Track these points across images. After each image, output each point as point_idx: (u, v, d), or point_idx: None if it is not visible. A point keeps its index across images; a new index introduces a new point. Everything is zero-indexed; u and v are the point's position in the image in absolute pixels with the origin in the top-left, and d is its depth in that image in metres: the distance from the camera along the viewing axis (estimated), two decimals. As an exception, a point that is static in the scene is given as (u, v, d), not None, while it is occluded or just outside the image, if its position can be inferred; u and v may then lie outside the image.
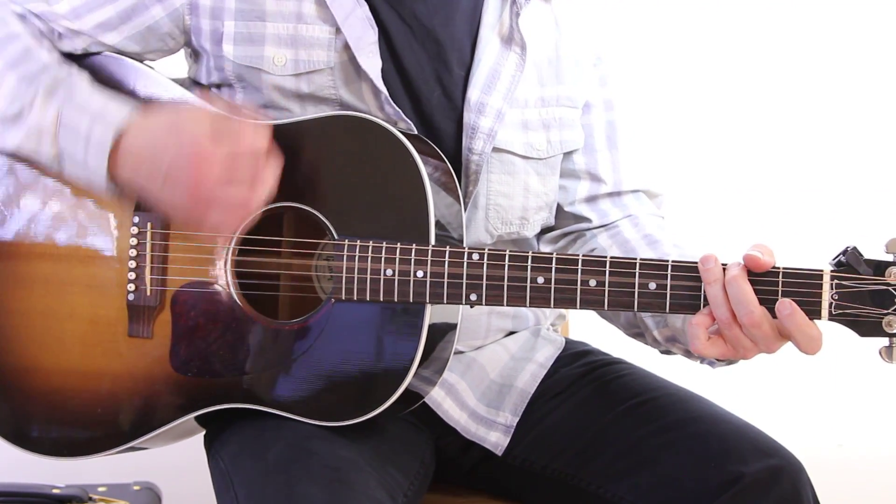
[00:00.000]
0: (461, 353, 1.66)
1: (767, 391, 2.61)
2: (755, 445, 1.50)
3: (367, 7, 1.53)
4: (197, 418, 1.54)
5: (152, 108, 1.49)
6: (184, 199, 1.40)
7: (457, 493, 1.71)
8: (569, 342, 1.75)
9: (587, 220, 1.68)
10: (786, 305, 1.34)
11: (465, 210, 1.57)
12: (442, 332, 1.49)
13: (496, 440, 1.64)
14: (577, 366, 1.70)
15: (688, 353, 1.53)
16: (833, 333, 1.52)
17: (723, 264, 1.38)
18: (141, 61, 1.58)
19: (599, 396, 1.64)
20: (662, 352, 1.59)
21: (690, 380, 1.66)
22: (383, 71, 1.54)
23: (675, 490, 1.51)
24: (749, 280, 1.36)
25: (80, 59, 1.57)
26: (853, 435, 2.72)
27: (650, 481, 1.53)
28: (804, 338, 1.35)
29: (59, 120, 1.47)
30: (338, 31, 1.53)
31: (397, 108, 1.53)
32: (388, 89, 1.53)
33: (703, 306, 1.38)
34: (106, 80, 1.54)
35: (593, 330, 1.79)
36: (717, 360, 1.48)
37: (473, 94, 1.57)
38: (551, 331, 1.76)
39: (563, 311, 1.82)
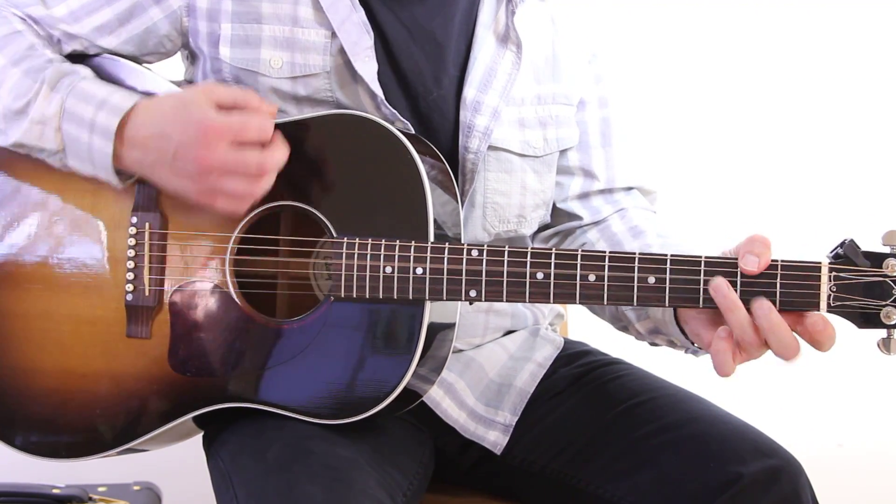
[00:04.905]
0: (460, 351, 1.66)
1: (767, 391, 2.60)
2: (754, 446, 1.50)
3: (363, 12, 1.53)
4: (196, 419, 1.53)
5: (157, 94, 1.50)
6: (194, 178, 1.41)
7: (456, 492, 1.71)
8: (568, 342, 1.75)
9: (579, 217, 1.68)
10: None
11: (463, 208, 1.57)
12: (440, 331, 1.48)
13: (495, 439, 1.64)
14: (575, 366, 1.70)
15: (671, 344, 1.53)
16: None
17: (725, 259, 1.37)
18: (139, 64, 1.58)
19: (598, 397, 1.64)
20: (650, 344, 1.59)
21: (689, 380, 1.66)
22: (380, 73, 1.54)
23: (674, 490, 1.50)
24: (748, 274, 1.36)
25: (80, 60, 1.57)
26: (853, 435, 2.72)
27: (649, 481, 1.53)
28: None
29: (62, 109, 1.47)
30: (333, 35, 1.53)
31: (393, 110, 1.53)
32: (384, 91, 1.53)
33: (703, 301, 1.37)
34: (107, 79, 1.55)
35: (592, 330, 1.79)
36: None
37: (469, 92, 1.57)
38: (550, 330, 1.76)
39: (561, 310, 1.82)
